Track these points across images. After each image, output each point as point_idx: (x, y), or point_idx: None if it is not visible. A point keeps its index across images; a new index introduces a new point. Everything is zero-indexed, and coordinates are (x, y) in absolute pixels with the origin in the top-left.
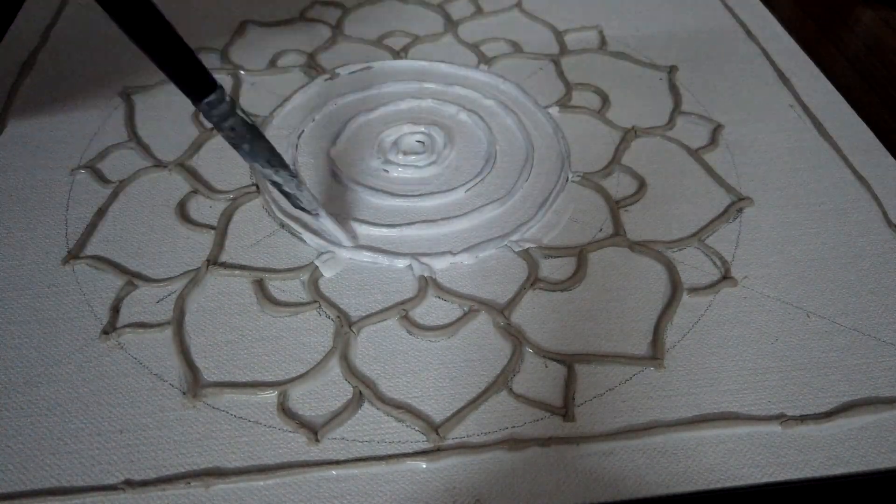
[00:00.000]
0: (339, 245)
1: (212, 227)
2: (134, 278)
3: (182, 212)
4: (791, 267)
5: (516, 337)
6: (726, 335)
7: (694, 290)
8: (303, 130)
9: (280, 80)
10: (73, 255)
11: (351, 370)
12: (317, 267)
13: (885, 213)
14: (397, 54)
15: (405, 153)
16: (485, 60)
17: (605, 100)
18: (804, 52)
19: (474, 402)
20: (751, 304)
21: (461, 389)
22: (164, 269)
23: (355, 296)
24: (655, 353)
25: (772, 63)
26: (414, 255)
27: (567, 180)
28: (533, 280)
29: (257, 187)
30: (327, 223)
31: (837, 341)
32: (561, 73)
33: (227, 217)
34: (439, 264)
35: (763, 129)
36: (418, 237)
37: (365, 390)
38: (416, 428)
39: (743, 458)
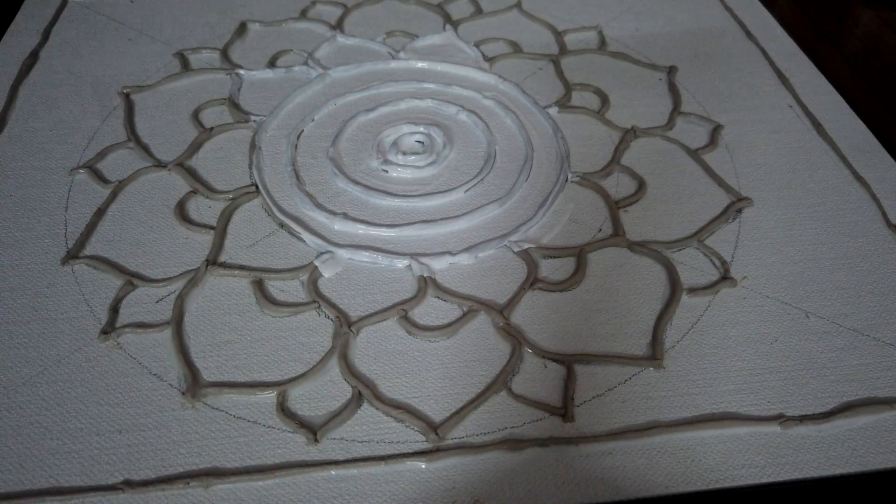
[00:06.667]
0: None
1: (211, 228)
2: (133, 278)
3: (181, 212)
4: (790, 267)
5: (515, 337)
6: (725, 335)
7: (693, 290)
8: (302, 130)
9: (280, 80)
10: (73, 255)
11: (350, 370)
12: (316, 267)
13: (884, 214)
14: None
15: (404, 153)
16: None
17: (605, 100)
18: (803, 52)
19: (473, 403)
20: (750, 305)
21: (460, 390)
22: (163, 270)
23: (354, 296)
24: (655, 354)
25: (771, 63)
26: (413, 256)
27: (566, 180)
28: (532, 280)
29: (256, 187)
30: None
31: (836, 342)
32: (560, 74)
33: (226, 217)
34: (438, 264)
35: (762, 130)
36: (418, 237)
37: (364, 390)
38: (416, 428)
39: (742, 458)
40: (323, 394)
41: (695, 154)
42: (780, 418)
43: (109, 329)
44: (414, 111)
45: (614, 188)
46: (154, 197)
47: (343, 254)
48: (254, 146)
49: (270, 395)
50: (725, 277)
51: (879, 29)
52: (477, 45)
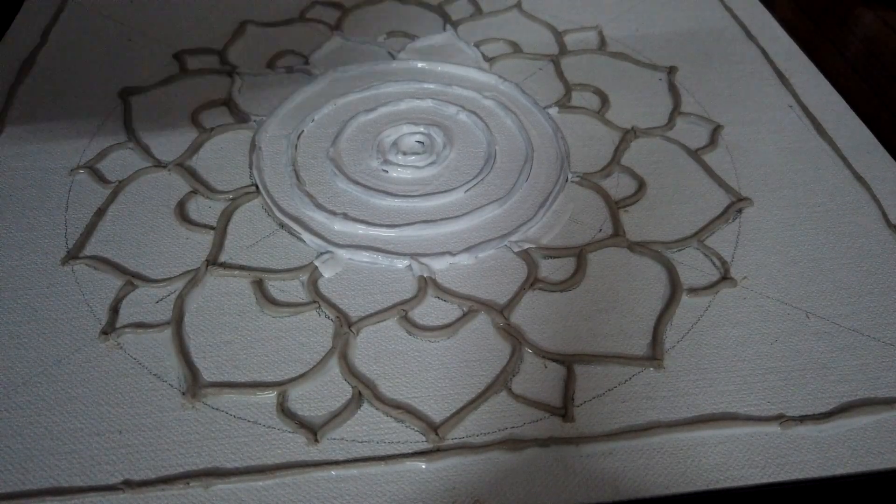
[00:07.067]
0: None
1: (211, 228)
2: (133, 278)
3: (181, 212)
4: (790, 267)
5: (515, 337)
6: (726, 336)
7: (693, 290)
8: (303, 130)
9: (280, 80)
10: (73, 255)
11: (350, 370)
12: (316, 267)
13: (884, 214)
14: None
15: (405, 153)
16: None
17: (605, 100)
18: (803, 52)
19: (474, 403)
20: (750, 305)
21: (460, 390)
22: (163, 270)
23: (355, 296)
24: (655, 354)
25: (771, 63)
26: (413, 256)
27: (567, 181)
28: (532, 280)
29: (257, 187)
30: None
31: (837, 342)
32: (561, 74)
33: (226, 217)
34: (438, 265)
35: (762, 130)
36: (418, 237)
37: (364, 390)
38: (416, 428)
39: (742, 458)
40: (323, 394)
41: (695, 154)
42: (780, 418)
43: (109, 329)
44: (414, 111)
45: (614, 188)
46: (154, 197)
47: (343, 254)
48: (254, 146)
49: (270, 395)
50: (725, 277)
51: (880, 30)
52: (477, 45)
